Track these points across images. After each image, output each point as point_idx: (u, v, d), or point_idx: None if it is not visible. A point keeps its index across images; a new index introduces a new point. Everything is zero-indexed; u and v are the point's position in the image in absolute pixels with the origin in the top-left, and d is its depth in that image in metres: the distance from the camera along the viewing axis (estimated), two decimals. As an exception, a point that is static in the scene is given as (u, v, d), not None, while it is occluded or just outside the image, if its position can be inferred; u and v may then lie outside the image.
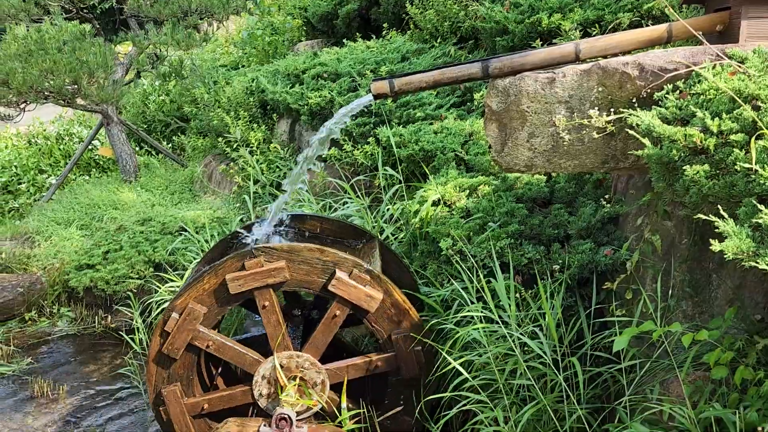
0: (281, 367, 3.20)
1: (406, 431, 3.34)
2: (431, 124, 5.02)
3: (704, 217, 1.93)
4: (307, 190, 5.08)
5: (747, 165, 1.96)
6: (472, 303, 3.17)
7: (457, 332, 3.23)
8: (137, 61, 8.12)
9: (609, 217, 3.34)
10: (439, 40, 6.29)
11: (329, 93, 5.84)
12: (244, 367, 3.24)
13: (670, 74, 2.50)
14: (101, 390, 4.64)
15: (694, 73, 2.51)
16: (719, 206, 1.94)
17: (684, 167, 2.15)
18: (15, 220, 8.32)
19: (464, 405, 2.81)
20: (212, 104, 7.40)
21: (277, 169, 6.11)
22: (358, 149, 5.30)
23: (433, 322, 3.33)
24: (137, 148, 9.81)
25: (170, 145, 9.69)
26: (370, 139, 5.25)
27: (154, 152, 9.53)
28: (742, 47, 2.52)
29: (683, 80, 2.55)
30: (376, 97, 3.03)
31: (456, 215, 3.89)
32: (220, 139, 6.88)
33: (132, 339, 4.81)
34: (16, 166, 10.00)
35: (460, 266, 3.49)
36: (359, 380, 3.33)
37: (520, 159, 3.00)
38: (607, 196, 3.36)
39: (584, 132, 2.84)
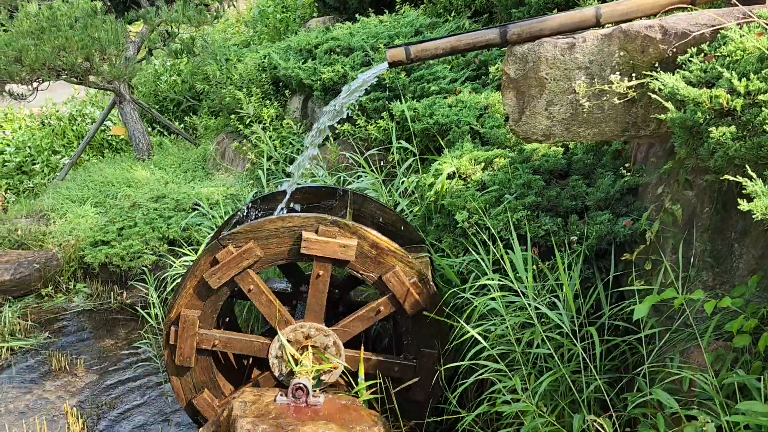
0: (289, 341, 3.20)
1: (423, 401, 3.33)
2: (445, 98, 4.96)
3: (732, 177, 1.88)
4: (318, 164, 5.05)
5: (776, 125, 1.90)
6: (488, 276, 3.15)
7: (474, 304, 3.22)
8: (148, 39, 8.09)
9: (628, 188, 3.29)
10: (453, 14, 6.20)
11: (342, 68, 5.79)
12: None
13: (696, 34, 2.43)
14: (118, 364, 4.68)
15: (719, 35, 2.44)
16: (747, 167, 1.88)
17: (709, 130, 2.10)
18: (30, 199, 8.37)
19: (482, 374, 2.78)
20: (224, 81, 7.37)
21: (290, 145, 6.08)
22: (371, 124, 5.26)
23: (452, 290, 3.30)
24: (150, 129, 9.82)
25: (182, 125, 9.68)
26: (384, 114, 5.20)
27: (166, 132, 9.53)
28: (770, 8, 2.45)
29: (708, 43, 2.48)
30: (391, 64, 2.98)
31: (472, 188, 3.84)
32: (232, 116, 6.85)
33: (148, 314, 4.83)
34: (30, 147, 10.06)
35: (476, 239, 3.46)
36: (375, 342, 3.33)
37: (537, 128, 2.95)
38: (627, 165, 3.31)
39: (604, 99, 2.78)
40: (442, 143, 4.27)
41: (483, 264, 3.29)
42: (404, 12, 6.80)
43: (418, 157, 4.37)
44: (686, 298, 2.26)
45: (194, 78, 9.03)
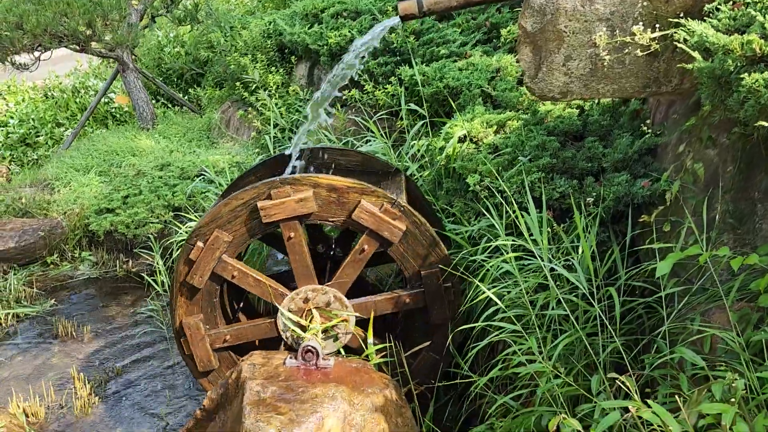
0: (291, 311, 3.14)
1: (434, 366, 3.28)
2: (455, 61, 4.84)
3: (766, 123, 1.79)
4: (325, 128, 4.96)
5: (813, 70, 1.80)
6: (502, 237, 3.07)
7: (486, 268, 3.15)
8: (151, 6, 7.93)
9: (647, 149, 3.19)
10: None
11: (349, 32, 5.65)
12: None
13: (726, -21, 2.32)
14: (125, 330, 4.65)
15: (749, -19, 2.32)
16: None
17: (741, 77, 2.00)
18: (34, 170, 8.31)
19: (497, 335, 2.72)
20: (229, 49, 7.23)
21: (297, 112, 5.97)
22: (379, 89, 5.14)
23: (462, 253, 3.23)
24: (154, 102, 9.72)
25: (186, 97, 9.56)
26: (392, 79, 5.08)
27: (170, 105, 9.42)
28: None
29: (737, -10, 2.36)
30: (403, 18, 2.87)
31: (483, 151, 3.75)
32: (237, 83, 6.73)
33: (154, 281, 4.79)
34: (33, 119, 9.98)
35: (489, 202, 3.38)
36: (386, 318, 3.27)
37: (554, 85, 2.85)
38: (648, 121, 3.20)
39: (625, 52, 2.68)
40: (454, 106, 4.16)
41: (497, 226, 3.21)
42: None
43: (428, 120, 4.26)
44: (711, 254, 2.18)
45: (198, 47, 8.88)
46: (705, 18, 2.44)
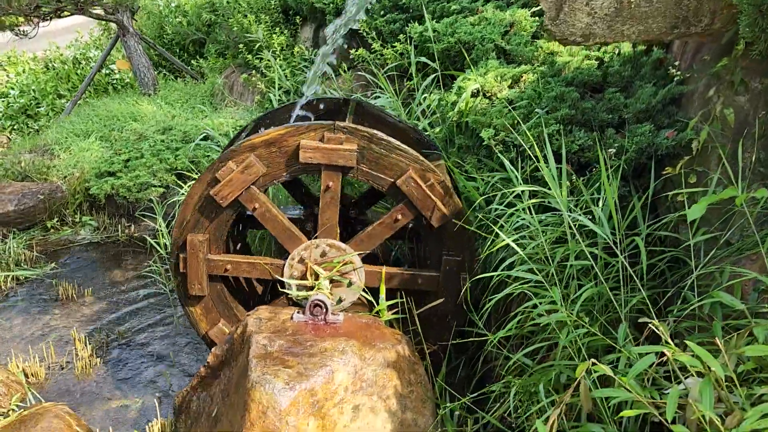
0: (303, 260, 3.01)
1: (450, 314, 3.16)
2: (466, 17, 4.66)
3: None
4: (334, 88, 4.80)
5: None
6: (516, 191, 2.93)
7: (500, 223, 3.02)
8: (152, -32, 7.71)
9: (671, 98, 3.04)
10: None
11: (356, -10, 5.45)
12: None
13: None
14: (127, 293, 4.55)
15: None
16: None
17: (788, 0, 1.84)
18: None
19: (517, 286, 2.60)
20: (231, 11, 7.03)
21: (301, 73, 5.80)
22: (387, 48, 4.97)
23: (481, 206, 3.09)
24: (155, 72, 9.54)
25: (189, 68, 9.37)
26: (401, 37, 4.91)
27: (172, 77, 9.24)
28: None
29: None
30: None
31: (498, 105, 3.60)
32: (241, 46, 6.55)
33: (157, 243, 4.67)
34: (34, 90, 9.83)
35: (505, 156, 3.24)
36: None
37: (576, 26, 2.69)
38: (677, 62, 3.05)
39: (654, -11, 2.52)
40: (468, 59, 3.99)
41: (512, 179, 3.07)
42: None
43: (440, 73, 4.09)
44: (747, 196, 2.04)
45: (201, 10, 8.66)
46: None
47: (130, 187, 5.35)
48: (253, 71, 6.45)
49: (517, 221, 2.93)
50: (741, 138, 2.58)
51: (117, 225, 5.57)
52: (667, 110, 3.05)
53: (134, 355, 3.83)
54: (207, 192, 2.92)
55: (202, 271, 3.00)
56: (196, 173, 4.92)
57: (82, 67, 10.44)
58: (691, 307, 2.22)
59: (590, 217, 2.75)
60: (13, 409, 2.95)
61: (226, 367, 2.83)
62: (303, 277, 3.01)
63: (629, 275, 2.54)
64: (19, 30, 9.22)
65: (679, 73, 2.96)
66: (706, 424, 1.49)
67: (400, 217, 2.98)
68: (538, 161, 2.86)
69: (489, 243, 2.83)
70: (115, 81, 9.78)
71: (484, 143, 3.49)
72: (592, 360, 1.68)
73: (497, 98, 3.73)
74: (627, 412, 1.59)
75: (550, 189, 2.79)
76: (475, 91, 3.79)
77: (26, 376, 3.51)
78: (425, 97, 4.04)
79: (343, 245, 3.00)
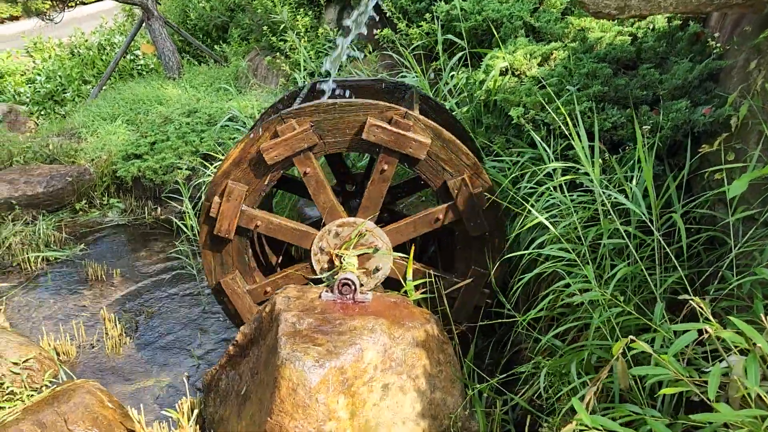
0: (337, 236, 2.99)
1: (476, 302, 3.13)
2: (494, -5, 4.57)
3: None
4: (358, 69, 4.75)
5: None
6: (547, 168, 2.87)
7: (531, 202, 2.96)
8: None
9: (708, 73, 2.94)
10: None
11: (382, -30, 5.39)
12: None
13: None
14: (154, 275, 4.59)
15: None
16: None
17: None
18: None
19: (549, 265, 2.55)
20: (255, -7, 7.00)
21: (325, 55, 5.76)
22: (413, 27, 4.90)
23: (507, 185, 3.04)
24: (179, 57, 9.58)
25: (212, 52, 9.38)
26: (427, 16, 4.84)
27: (195, 62, 9.26)
28: None
29: None
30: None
31: (527, 83, 3.53)
32: (265, 28, 6.52)
33: (183, 224, 4.70)
34: (60, 76, 9.94)
35: (534, 135, 3.17)
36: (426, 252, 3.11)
37: (612, -1, 2.61)
38: (716, 35, 2.95)
39: (694, -42, 2.43)
40: (497, 36, 3.92)
41: (543, 158, 3.02)
42: None
43: (467, 51, 4.02)
44: (795, 171, 1.97)
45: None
46: None
47: (156, 170, 5.38)
48: (277, 53, 6.42)
49: (548, 200, 2.88)
50: (782, 114, 2.49)
51: (143, 207, 5.62)
52: (704, 86, 2.96)
53: (162, 335, 3.86)
54: (257, 148, 2.88)
55: (235, 217, 2.96)
56: (222, 155, 4.92)
57: (107, 53, 10.53)
58: (731, 287, 2.16)
59: (624, 196, 2.68)
60: (46, 385, 3.00)
61: (254, 345, 2.83)
62: (330, 265, 2.99)
63: (663, 254, 2.48)
64: (45, 16, 9.32)
65: (718, 46, 2.86)
66: (752, 401, 1.44)
67: (441, 216, 2.95)
68: (572, 139, 2.79)
69: (521, 220, 2.77)
70: (139, 66, 9.85)
71: (513, 122, 3.42)
72: (631, 337, 1.63)
73: (526, 76, 3.65)
74: (667, 390, 1.54)
75: (582, 166, 2.73)
76: (504, 69, 3.72)
77: (58, 354, 3.56)
78: (452, 76, 3.97)
79: (378, 230, 2.97)
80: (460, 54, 4.08)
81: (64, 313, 4.14)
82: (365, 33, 3.54)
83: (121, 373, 3.54)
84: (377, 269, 2.98)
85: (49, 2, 8.72)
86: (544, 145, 3.06)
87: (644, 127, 2.91)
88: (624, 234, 2.50)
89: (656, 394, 1.99)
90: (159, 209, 5.59)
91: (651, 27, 3.48)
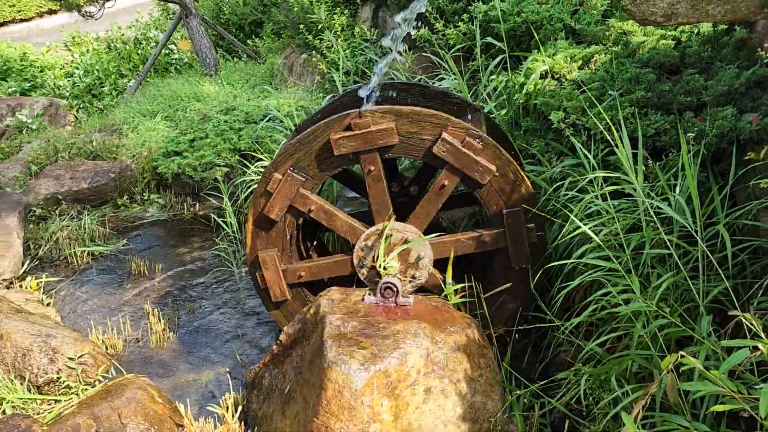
0: (386, 237, 3.05)
1: (514, 312, 3.16)
2: (533, -4, 4.56)
3: None
4: (396, 68, 4.79)
5: None
6: (590, 177, 2.88)
7: (571, 208, 2.98)
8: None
9: (755, 80, 2.92)
10: None
11: (419, -31, 5.39)
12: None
13: None
14: (194, 270, 4.70)
15: None
16: None
17: None
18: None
19: (589, 274, 2.57)
20: (292, -10, 7.07)
21: (361, 54, 5.80)
22: (450, 28, 4.92)
23: (546, 196, 3.05)
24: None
25: (244, 46, 9.49)
26: (464, 16, 4.84)
27: (229, 56, 9.37)
28: None
29: None
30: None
31: (568, 87, 3.53)
32: (301, 26, 6.58)
33: (224, 222, 4.80)
34: (97, 70, 10.13)
35: (576, 140, 3.18)
36: (465, 260, 3.15)
37: (658, 6, 2.60)
38: (759, 50, 2.92)
39: (744, -33, 2.40)
40: (537, 39, 3.92)
41: (584, 165, 3.02)
42: None
43: (507, 54, 4.03)
44: None
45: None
46: None
47: (195, 167, 5.49)
48: (313, 51, 6.48)
49: (590, 207, 2.89)
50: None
51: (182, 203, 5.75)
52: (750, 93, 2.93)
53: (204, 331, 3.97)
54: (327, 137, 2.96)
55: (290, 197, 3.03)
56: (261, 153, 5.00)
57: (143, 47, 10.69)
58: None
59: (666, 204, 2.68)
60: (99, 380, 3.12)
61: (298, 345, 2.90)
62: (373, 264, 3.05)
63: (707, 265, 2.48)
64: (86, 11, 9.51)
65: (765, 54, 2.83)
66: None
67: (488, 241, 3.01)
68: (616, 146, 2.80)
69: (562, 228, 2.79)
70: (174, 60, 10.00)
71: (553, 126, 3.43)
72: (681, 353, 1.65)
73: (567, 80, 3.65)
74: (719, 407, 1.56)
75: (625, 174, 2.73)
76: (544, 72, 3.72)
77: (105, 347, 3.69)
78: (492, 79, 3.98)
79: (402, 225, 3.02)
80: (500, 57, 4.09)
81: (109, 307, 4.27)
82: (411, 33, 3.57)
83: (165, 367, 3.65)
84: (419, 258, 3.04)
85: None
86: (585, 150, 3.07)
87: (688, 134, 2.90)
88: (668, 243, 2.51)
89: (702, 408, 2.01)
90: (197, 205, 5.71)
91: (695, 31, 3.45)
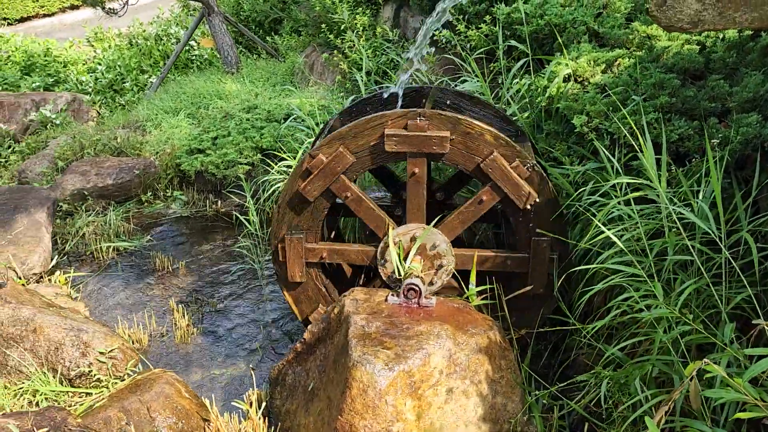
0: (413, 239, 3.10)
1: (541, 295, 3.20)
2: (556, -2, 4.56)
3: None
4: (416, 69, 4.82)
5: None
6: (613, 183, 2.90)
7: (593, 212, 3.00)
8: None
9: (781, 87, 2.91)
10: None
11: (441, -30, 5.41)
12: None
13: None
14: (217, 267, 4.78)
15: None
16: None
17: None
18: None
19: (612, 279, 2.60)
20: (314, -10, 7.12)
21: (383, 55, 5.84)
22: (472, 29, 4.93)
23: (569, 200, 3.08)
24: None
25: (264, 44, 9.57)
26: (487, 18, 4.86)
27: (249, 53, 9.46)
28: None
29: None
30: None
31: (591, 91, 3.54)
32: (323, 26, 6.63)
33: (247, 220, 4.87)
34: (119, 66, 10.26)
35: (600, 143, 3.20)
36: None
37: (685, 13, 2.61)
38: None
39: (773, -25, 2.41)
40: (561, 42, 3.93)
41: (607, 169, 3.04)
42: None
43: (530, 58, 4.05)
44: None
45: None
46: None
47: (218, 165, 5.57)
48: (335, 51, 6.53)
49: (612, 212, 2.91)
50: None
51: (205, 200, 5.83)
52: (776, 100, 2.94)
53: (227, 327, 4.04)
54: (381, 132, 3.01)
55: (331, 181, 3.07)
56: (284, 152, 5.07)
57: (163, 44, 10.81)
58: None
59: (689, 210, 2.70)
60: (128, 374, 3.20)
61: (321, 344, 2.96)
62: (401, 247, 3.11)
63: (730, 271, 2.49)
64: (109, 8, 9.64)
65: (794, 62, 2.82)
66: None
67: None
68: (639, 151, 2.81)
69: (586, 233, 2.82)
70: (194, 56, 10.11)
71: (575, 130, 3.45)
72: (705, 360, 1.68)
73: (590, 83, 3.66)
74: (741, 414, 1.59)
75: (648, 180, 2.75)
76: (567, 75, 3.74)
77: (132, 342, 3.77)
78: (515, 83, 4.01)
79: (433, 229, 3.07)
80: (523, 61, 4.11)
81: (134, 302, 4.36)
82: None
83: (190, 362, 3.73)
84: (440, 266, 3.09)
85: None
86: (609, 154, 3.09)
87: (713, 140, 2.91)
88: (691, 249, 2.53)
89: (723, 413, 2.03)
90: (219, 202, 5.79)
91: (720, 37, 3.44)
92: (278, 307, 4.17)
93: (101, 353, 3.16)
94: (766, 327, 1.77)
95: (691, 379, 1.70)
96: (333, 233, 3.97)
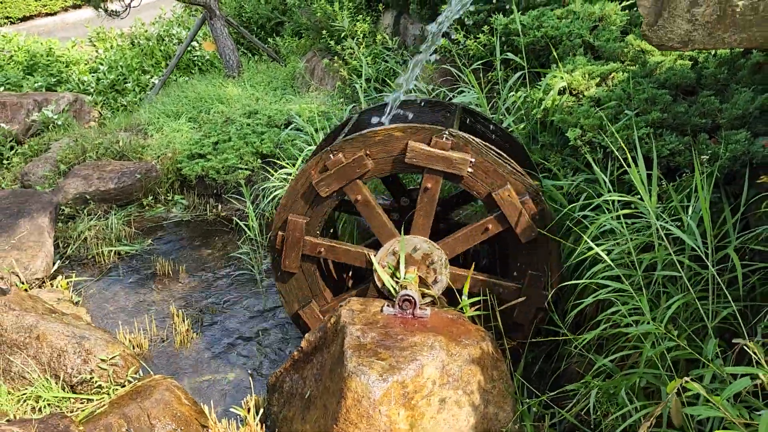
0: (395, 254, 3.16)
1: (524, 325, 3.26)
2: (553, 9, 4.62)
3: None
4: (417, 79, 4.88)
5: None
6: (604, 198, 2.96)
7: (585, 225, 3.07)
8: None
9: (770, 105, 2.98)
10: None
11: (441, -21, 5.49)
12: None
13: None
14: (217, 271, 4.84)
15: None
16: None
17: None
18: (125, 116, 8.63)
19: (600, 294, 2.66)
20: (315, -4, 7.18)
21: (383, 62, 5.90)
22: (470, 39, 5.00)
23: (565, 211, 3.14)
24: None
25: (266, 46, 9.63)
26: (485, 28, 4.92)
27: (250, 54, 9.51)
28: None
29: None
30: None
31: (585, 104, 3.60)
32: (323, 32, 6.70)
33: (247, 225, 4.94)
34: (121, 66, 10.30)
35: (592, 157, 3.26)
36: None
37: (675, 33, 2.67)
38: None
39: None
40: (556, 54, 3.99)
41: (600, 181, 3.11)
42: None
43: (526, 71, 4.11)
44: None
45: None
46: None
47: (219, 170, 5.64)
48: (335, 57, 6.60)
49: (603, 224, 2.97)
50: None
51: (205, 204, 5.90)
52: (764, 117, 3.00)
53: (227, 332, 4.11)
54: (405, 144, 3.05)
55: (345, 181, 3.12)
56: (283, 160, 5.13)
57: (165, 44, 10.85)
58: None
59: (678, 224, 2.76)
60: (128, 381, 3.27)
61: (318, 352, 3.03)
62: (393, 269, 3.17)
63: (717, 287, 2.55)
64: (112, 10, 9.69)
65: (781, 82, 2.89)
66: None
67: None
68: (628, 165, 2.88)
69: (578, 244, 2.88)
70: (196, 58, 10.17)
71: (570, 143, 3.51)
72: (686, 378, 1.75)
73: (584, 96, 3.73)
74: (720, 432, 1.66)
75: (638, 195, 2.81)
76: (562, 88, 3.80)
77: (132, 347, 3.84)
78: (511, 95, 4.07)
79: (435, 245, 3.13)
80: (519, 73, 4.17)
81: (135, 306, 4.43)
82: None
83: (189, 367, 3.79)
84: (435, 281, 3.15)
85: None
86: (601, 168, 3.15)
87: (702, 156, 2.98)
88: (678, 264, 2.59)
89: (708, 426, 2.10)
90: (220, 207, 5.86)
91: (713, 53, 3.51)
92: (277, 314, 4.24)
93: (102, 360, 3.23)
94: (745, 346, 1.84)
95: (673, 396, 1.77)
96: (331, 230, 4.04)
